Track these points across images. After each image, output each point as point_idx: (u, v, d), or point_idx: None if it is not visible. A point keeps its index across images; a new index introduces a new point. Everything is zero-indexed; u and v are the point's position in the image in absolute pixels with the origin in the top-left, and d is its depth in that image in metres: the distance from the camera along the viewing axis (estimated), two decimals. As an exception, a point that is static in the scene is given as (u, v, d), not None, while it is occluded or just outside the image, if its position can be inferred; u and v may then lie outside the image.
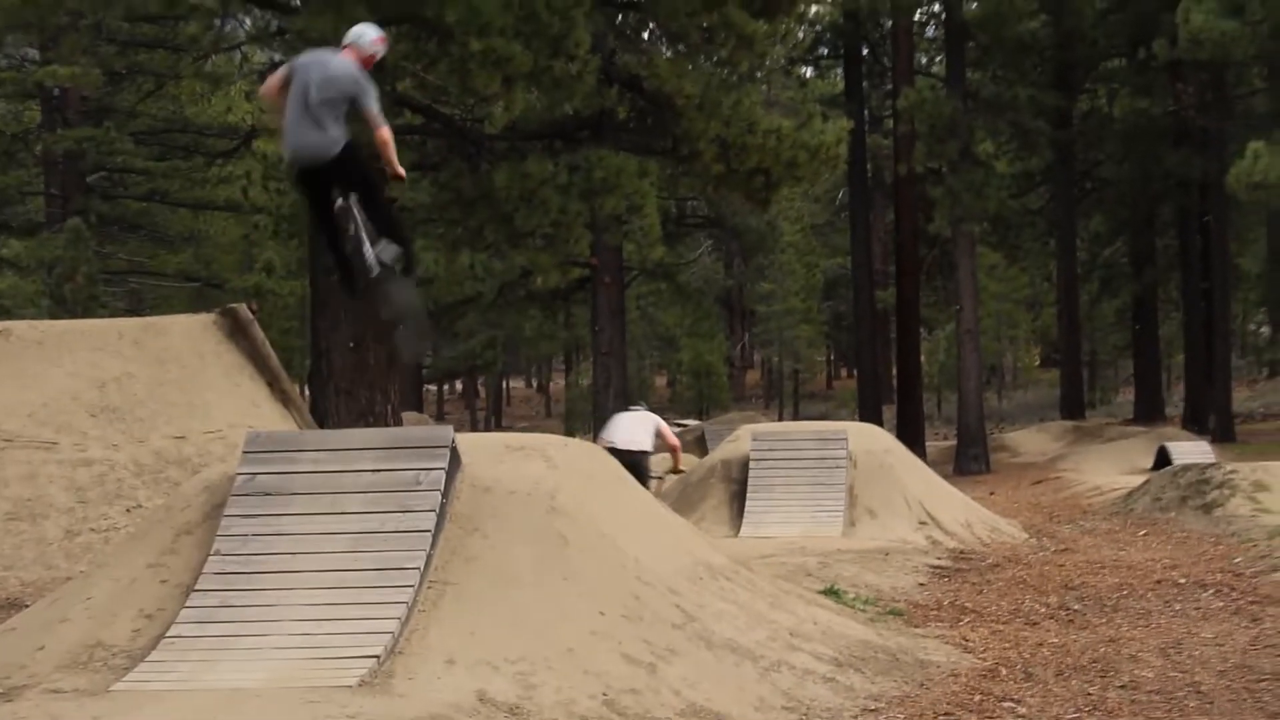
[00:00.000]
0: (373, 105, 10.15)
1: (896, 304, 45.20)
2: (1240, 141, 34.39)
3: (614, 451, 15.64)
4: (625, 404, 19.13)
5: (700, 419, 54.65)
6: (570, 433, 48.65)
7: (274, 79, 10.58)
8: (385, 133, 10.21)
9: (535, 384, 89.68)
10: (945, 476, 26.13)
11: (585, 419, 51.76)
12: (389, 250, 10.53)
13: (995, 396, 61.95)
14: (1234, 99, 41.81)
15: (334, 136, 10.10)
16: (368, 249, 10.42)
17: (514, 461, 10.68)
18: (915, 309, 44.01)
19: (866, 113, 50.38)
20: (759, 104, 22.07)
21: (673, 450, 17.53)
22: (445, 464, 9.81)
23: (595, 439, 18.00)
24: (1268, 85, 42.88)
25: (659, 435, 17.27)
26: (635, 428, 17.29)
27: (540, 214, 20.61)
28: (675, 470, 17.62)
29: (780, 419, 53.44)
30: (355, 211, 10.41)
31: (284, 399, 15.42)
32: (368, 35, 10.52)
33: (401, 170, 10.48)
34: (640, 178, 21.54)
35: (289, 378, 15.95)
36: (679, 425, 52.21)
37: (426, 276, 33.87)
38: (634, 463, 16.02)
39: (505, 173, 20.46)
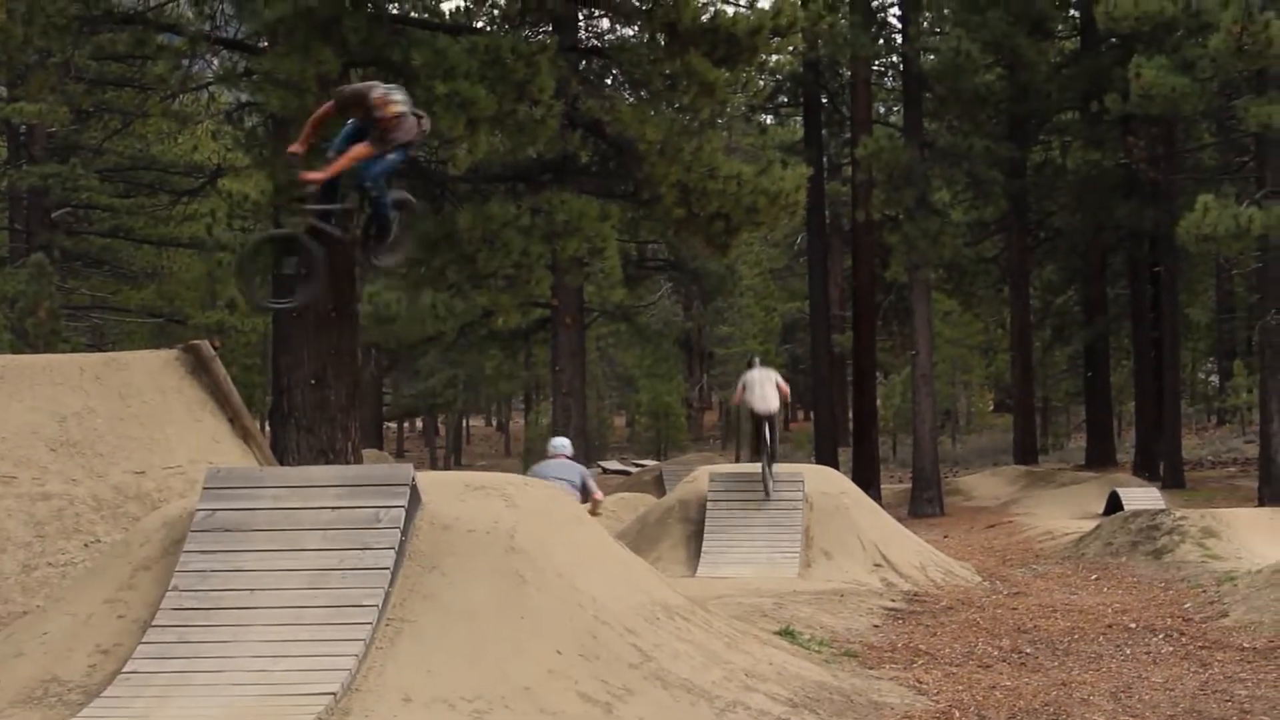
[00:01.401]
0: (592, 483, 16.47)
1: (853, 348, 45.23)
2: (1189, 194, 34.63)
3: (755, 415, 20.26)
4: (572, 442, 19.03)
5: (658, 459, 54.61)
6: (529, 472, 48.46)
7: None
8: (599, 496, 16.48)
9: (495, 423, 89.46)
10: (900, 519, 26.14)
11: (544, 458, 51.62)
12: None
13: (949, 440, 62.10)
14: (1184, 153, 42.15)
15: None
16: None
17: (474, 500, 10.62)
18: (871, 353, 44.08)
19: (825, 160, 50.53)
20: (720, 150, 22.11)
21: (783, 395, 20.66)
22: (405, 502, 9.75)
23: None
24: (1216, 139, 43.29)
25: (779, 388, 20.58)
26: (767, 387, 20.46)
27: (502, 255, 20.58)
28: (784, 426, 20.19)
29: (738, 460, 53.38)
30: None
31: (245, 435, 15.29)
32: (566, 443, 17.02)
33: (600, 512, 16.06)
34: (602, 221, 21.49)
35: (250, 414, 15.84)
36: (637, 465, 52.15)
37: (389, 315, 33.75)
38: (770, 417, 20.12)
39: (468, 214, 20.44)
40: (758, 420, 20.85)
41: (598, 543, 11.74)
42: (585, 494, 17.26)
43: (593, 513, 17.92)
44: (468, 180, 21.87)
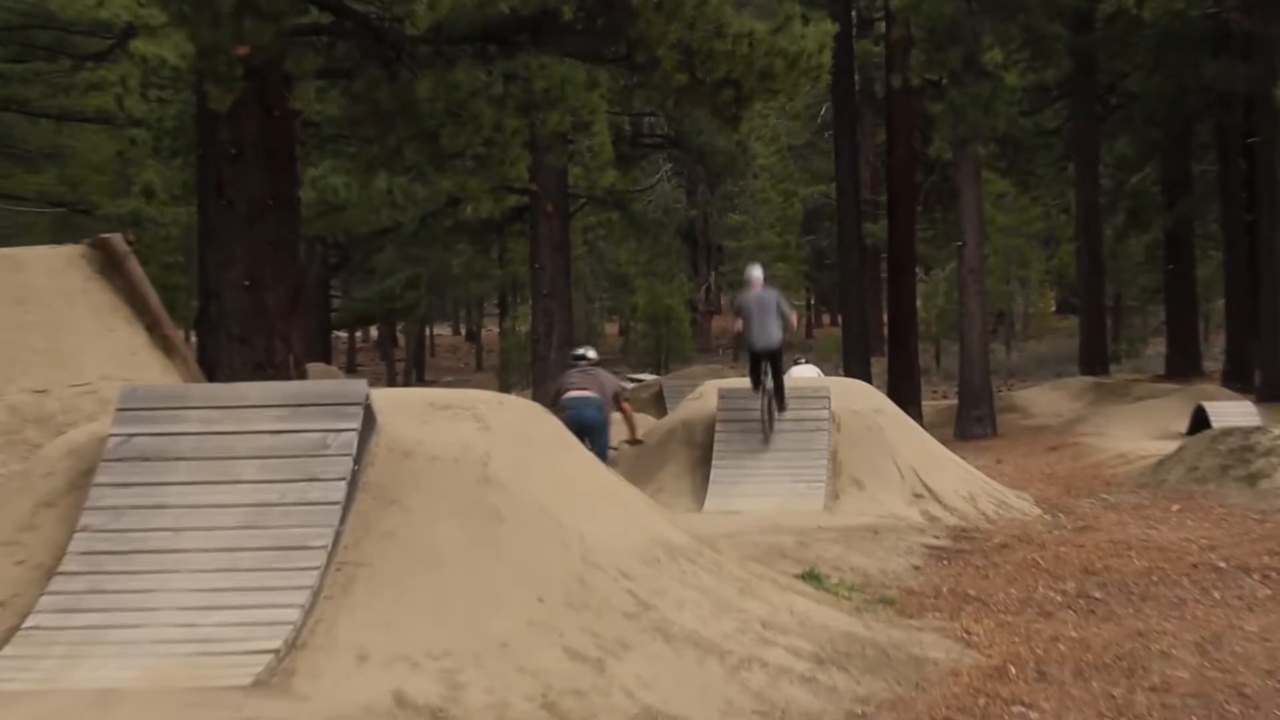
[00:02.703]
0: (788, 309, 20.88)
1: (888, 239, 45.22)
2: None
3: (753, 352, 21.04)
4: (569, 354, 20.21)
5: (658, 373, 54.67)
6: (505, 388, 48.52)
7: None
8: (794, 321, 21.34)
9: (464, 331, 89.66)
10: (945, 441, 26.22)
11: (523, 372, 51.57)
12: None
13: (1003, 348, 62.23)
14: (1285, -1, 41.90)
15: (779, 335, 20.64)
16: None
17: (439, 422, 10.62)
18: (910, 245, 44.06)
19: (854, 14, 50.36)
20: (729, 3, 21.97)
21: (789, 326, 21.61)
22: (358, 424, 9.75)
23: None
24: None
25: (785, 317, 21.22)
26: (768, 317, 21.10)
27: (470, 131, 20.44)
28: None
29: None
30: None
31: (166, 346, 15.31)
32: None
33: (797, 320, 21.10)
34: (589, 89, 21.34)
35: (172, 321, 15.83)
36: (631, 380, 52.23)
37: (337, 203, 33.67)
38: (772, 354, 20.78)
39: (429, 82, 20.29)
40: (755, 357, 21.06)
41: (587, 471, 11.77)
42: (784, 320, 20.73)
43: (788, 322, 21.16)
44: (429, 41, 21.69)
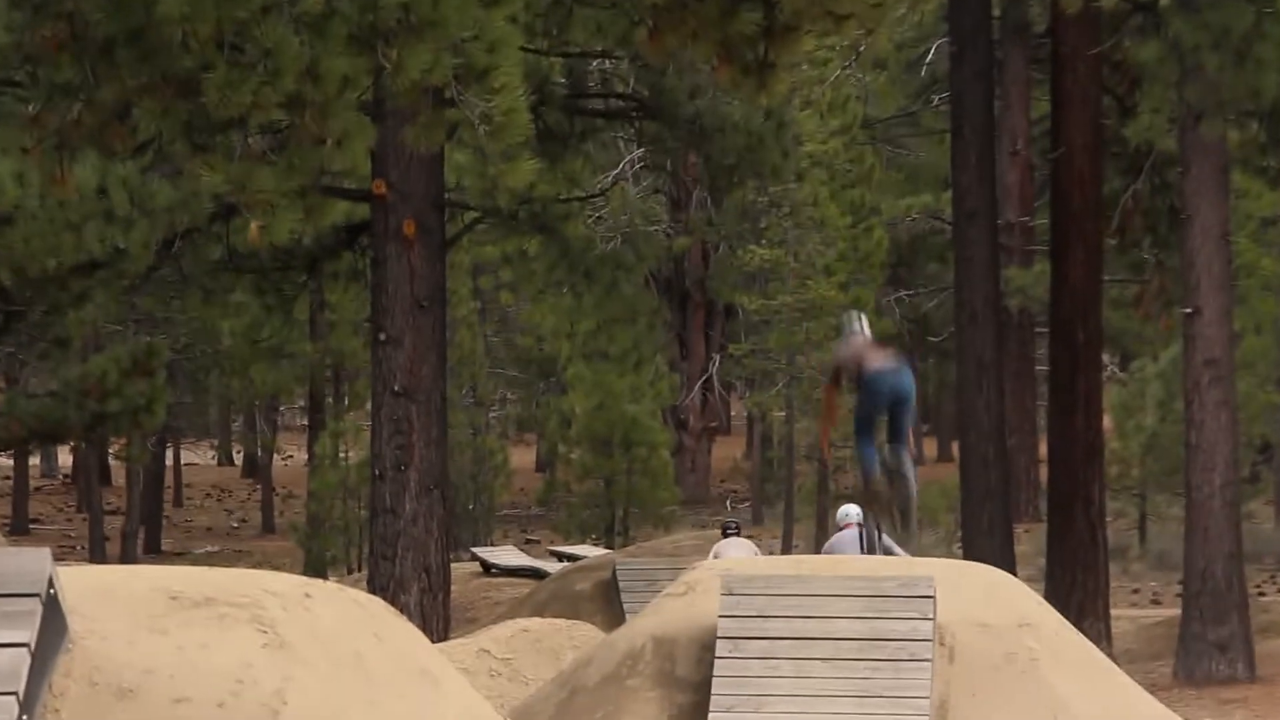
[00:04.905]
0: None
1: (1051, 300, 45.25)
2: None
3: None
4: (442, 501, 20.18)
5: (609, 546, 54.64)
6: (317, 567, 48.43)
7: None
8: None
9: (239, 456, 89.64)
10: (1155, 686, 26.27)
11: (350, 536, 51.42)
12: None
13: (1271, 509, 62.10)
14: None
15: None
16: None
17: (190, 631, 10.67)
18: (1094, 311, 44.02)
19: None
20: None
21: None
22: (31, 635, 9.79)
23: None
24: None
25: None
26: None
27: (259, 80, 20.53)
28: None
29: (788, 547, 53.53)
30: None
31: None
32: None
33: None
34: (486, 5, 21.48)
35: None
36: (561, 557, 52.35)
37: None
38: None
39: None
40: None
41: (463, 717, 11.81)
42: None
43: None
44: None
